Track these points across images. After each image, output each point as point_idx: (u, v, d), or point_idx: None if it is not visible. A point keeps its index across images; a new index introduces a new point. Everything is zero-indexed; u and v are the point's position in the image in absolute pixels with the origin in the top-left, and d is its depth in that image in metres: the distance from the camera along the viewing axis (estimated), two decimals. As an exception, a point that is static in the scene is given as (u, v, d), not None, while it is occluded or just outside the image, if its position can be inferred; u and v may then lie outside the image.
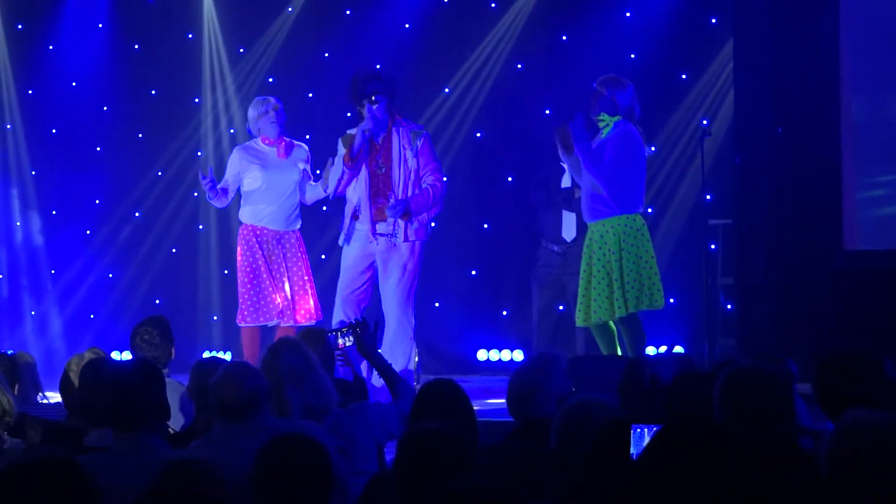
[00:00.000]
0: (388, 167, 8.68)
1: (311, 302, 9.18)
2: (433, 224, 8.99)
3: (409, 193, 8.64)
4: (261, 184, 9.15)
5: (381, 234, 8.70)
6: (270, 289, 9.07)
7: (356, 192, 8.75)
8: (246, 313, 9.08)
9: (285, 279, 9.13)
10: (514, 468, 4.34)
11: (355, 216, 8.77)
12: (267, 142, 9.22)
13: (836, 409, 4.32)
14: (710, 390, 4.15)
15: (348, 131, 8.81)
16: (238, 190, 9.28)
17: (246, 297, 9.09)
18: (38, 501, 3.21)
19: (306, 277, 9.23)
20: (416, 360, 9.03)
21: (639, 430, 3.80)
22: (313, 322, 9.08)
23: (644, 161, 8.40)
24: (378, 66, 8.89)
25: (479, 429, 4.87)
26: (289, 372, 5.31)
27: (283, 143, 9.22)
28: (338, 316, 8.78)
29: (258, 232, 9.16)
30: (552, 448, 4.14)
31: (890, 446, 3.28)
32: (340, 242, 8.96)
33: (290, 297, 9.13)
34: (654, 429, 3.77)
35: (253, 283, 9.08)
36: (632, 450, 3.73)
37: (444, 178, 8.91)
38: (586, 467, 3.62)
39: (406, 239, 8.68)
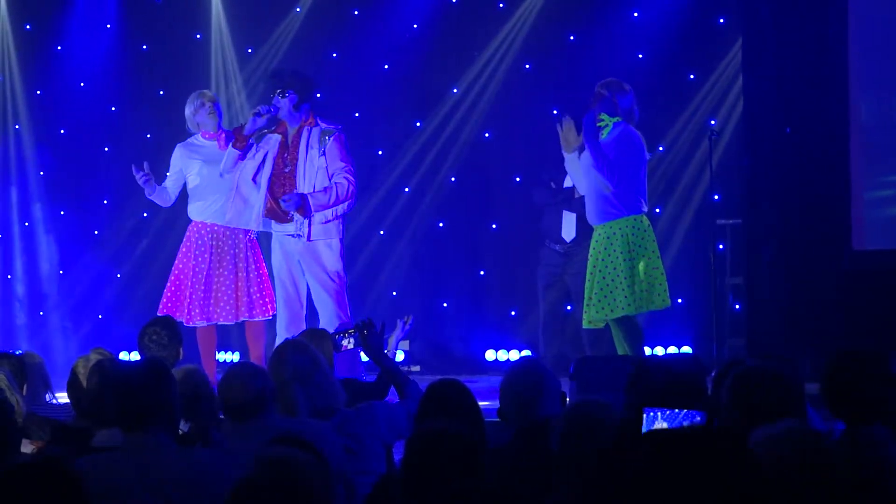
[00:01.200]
0: (293, 166, 8.64)
1: (267, 295, 9.11)
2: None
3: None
4: (203, 179, 9.09)
5: (289, 235, 8.67)
6: (214, 288, 9.00)
7: (252, 185, 8.70)
8: (195, 312, 9.01)
9: (235, 276, 9.06)
10: (522, 469, 4.33)
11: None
12: (207, 136, 9.17)
13: (845, 410, 4.30)
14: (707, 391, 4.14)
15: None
16: (184, 188, 9.24)
17: (193, 296, 9.01)
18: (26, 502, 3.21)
19: (259, 271, 9.15)
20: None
21: (651, 413, 3.78)
22: (272, 315, 9.06)
23: (645, 162, 8.40)
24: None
25: (486, 429, 4.86)
26: (294, 372, 5.31)
27: (223, 135, 9.14)
28: (281, 321, 8.73)
29: (207, 229, 9.10)
30: (556, 450, 4.13)
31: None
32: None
33: (240, 294, 9.05)
34: (666, 412, 3.77)
35: (198, 282, 9.01)
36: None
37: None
38: (598, 469, 3.61)
39: (310, 238, 8.61)
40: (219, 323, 9.11)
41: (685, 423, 3.71)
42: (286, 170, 8.67)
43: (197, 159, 9.12)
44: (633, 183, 8.26)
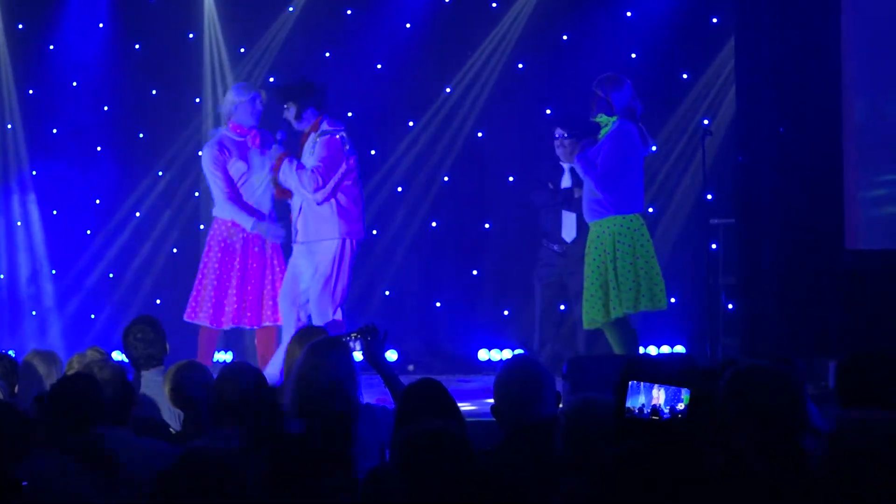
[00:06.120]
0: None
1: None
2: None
3: None
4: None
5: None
6: (235, 292, 9.03)
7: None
8: (211, 312, 9.03)
9: (262, 279, 9.09)
10: (517, 470, 4.31)
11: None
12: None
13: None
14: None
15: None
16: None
17: (212, 296, 9.04)
18: None
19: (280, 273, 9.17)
20: None
21: (635, 385, 3.78)
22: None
23: (640, 160, 8.38)
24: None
25: (479, 429, 4.87)
26: (345, 372, 5.29)
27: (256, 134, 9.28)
28: (287, 321, 8.74)
29: (233, 227, 9.15)
30: (558, 449, 4.12)
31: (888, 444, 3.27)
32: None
33: (260, 298, 9.07)
34: (651, 386, 3.79)
35: (219, 284, 9.05)
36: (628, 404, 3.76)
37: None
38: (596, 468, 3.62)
39: (295, 240, 8.86)
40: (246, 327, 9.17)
41: (672, 398, 3.73)
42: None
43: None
44: (624, 183, 8.24)
